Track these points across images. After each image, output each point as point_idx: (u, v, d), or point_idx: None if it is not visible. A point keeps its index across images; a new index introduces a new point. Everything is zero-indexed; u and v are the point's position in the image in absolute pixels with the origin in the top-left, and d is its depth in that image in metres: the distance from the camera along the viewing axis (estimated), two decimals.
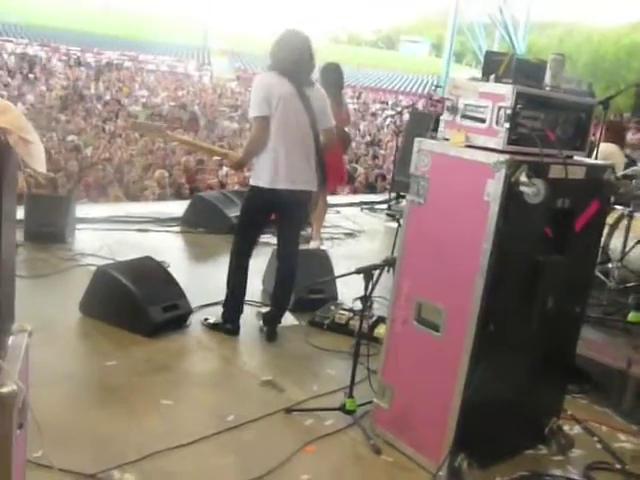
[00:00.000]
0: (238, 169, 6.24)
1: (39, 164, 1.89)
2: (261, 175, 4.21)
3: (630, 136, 10.35)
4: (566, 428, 3.53)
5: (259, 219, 4.40)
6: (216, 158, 11.98)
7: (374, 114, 28.46)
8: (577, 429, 3.65)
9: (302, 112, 4.18)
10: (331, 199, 7.51)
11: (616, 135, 6.25)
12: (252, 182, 4.32)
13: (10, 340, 2.06)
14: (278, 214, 4.40)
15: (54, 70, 28.91)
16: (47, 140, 12.40)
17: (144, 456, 2.96)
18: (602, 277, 5.01)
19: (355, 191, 11.92)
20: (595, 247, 3.47)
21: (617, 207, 5.22)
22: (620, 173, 5.02)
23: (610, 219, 5.22)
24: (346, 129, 7.01)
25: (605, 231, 5.17)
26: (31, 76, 25.83)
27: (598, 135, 5.67)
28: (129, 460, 2.91)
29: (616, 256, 5.09)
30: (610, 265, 5.07)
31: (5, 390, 1.77)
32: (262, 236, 4.61)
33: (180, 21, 61.49)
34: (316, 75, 4.50)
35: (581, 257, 3.22)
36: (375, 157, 16.09)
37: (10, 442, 1.81)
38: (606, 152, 5.56)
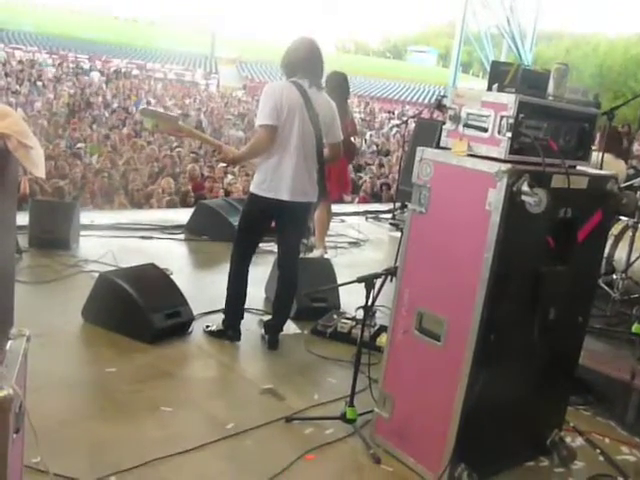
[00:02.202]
0: (230, 164, 6.29)
1: (38, 169, 1.90)
2: (261, 183, 4.20)
3: (637, 147, 10.29)
4: (568, 440, 3.50)
5: (258, 226, 4.39)
6: (222, 165, 12.05)
7: (381, 123, 28.50)
8: (579, 441, 3.62)
9: (308, 123, 4.16)
10: (336, 208, 7.50)
11: (612, 144, 6.16)
12: (252, 189, 4.32)
13: (8, 344, 2.06)
14: (277, 223, 4.40)
15: (62, 78, 29.06)
16: (54, 147, 12.46)
17: (143, 463, 2.94)
18: (606, 288, 4.99)
19: (361, 200, 11.92)
20: (598, 258, 3.45)
21: (622, 218, 5.19)
22: (623, 184, 4.98)
23: (615, 230, 5.20)
24: (352, 139, 7.00)
25: (610, 242, 5.15)
26: (39, 83, 25.98)
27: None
28: (127, 467, 2.90)
29: (621, 267, 5.07)
30: (614, 276, 5.04)
31: (0, 394, 1.77)
32: (265, 244, 4.59)
33: (188, 30, 61.86)
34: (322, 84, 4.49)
35: (584, 267, 3.20)
36: (381, 166, 16.09)
37: (6, 446, 1.81)
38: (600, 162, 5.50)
